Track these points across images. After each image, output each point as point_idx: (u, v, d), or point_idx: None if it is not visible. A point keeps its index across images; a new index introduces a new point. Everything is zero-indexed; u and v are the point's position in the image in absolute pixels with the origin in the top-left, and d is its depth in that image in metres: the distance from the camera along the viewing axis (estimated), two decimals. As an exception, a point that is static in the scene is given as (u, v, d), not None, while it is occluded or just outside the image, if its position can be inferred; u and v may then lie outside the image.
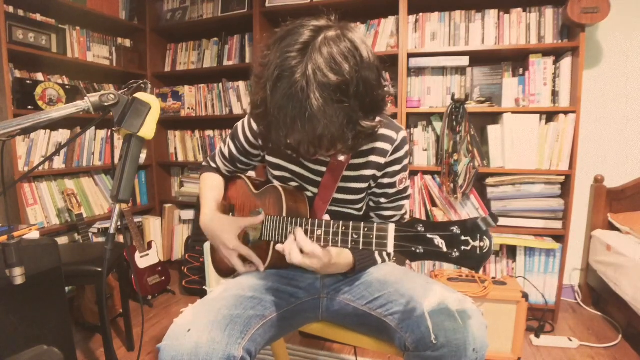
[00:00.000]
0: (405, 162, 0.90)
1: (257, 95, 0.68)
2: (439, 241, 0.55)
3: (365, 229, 0.64)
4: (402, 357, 0.76)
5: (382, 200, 0.92)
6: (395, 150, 0.87)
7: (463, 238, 0.53)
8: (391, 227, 0.60)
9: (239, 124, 0.98)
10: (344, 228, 0.67)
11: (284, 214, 0.82)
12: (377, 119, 0.70)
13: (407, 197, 0.94)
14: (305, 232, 0.73)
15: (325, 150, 0.69)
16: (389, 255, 0.93)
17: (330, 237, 0.68)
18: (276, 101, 0.63)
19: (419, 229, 0.57)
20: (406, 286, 0.79)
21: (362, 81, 0.63)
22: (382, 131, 0.86)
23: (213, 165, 1.06)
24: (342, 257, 0.81)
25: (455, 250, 0.54)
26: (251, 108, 0.72)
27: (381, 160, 0.87)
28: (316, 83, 0.60)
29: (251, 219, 0.90)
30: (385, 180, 0.89)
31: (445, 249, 0.54)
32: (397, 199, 0.92)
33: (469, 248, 0.53)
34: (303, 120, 0.62)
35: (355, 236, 0.65)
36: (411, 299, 0.75)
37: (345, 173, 0.87)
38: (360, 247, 0.65)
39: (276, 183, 0.91)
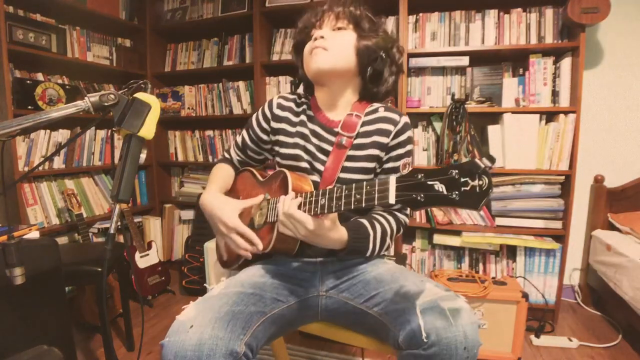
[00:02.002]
0: (409, 147, 0.93)
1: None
2: (439, 186, 0.55)
3: (367, 187, 0.65)
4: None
5: None
6: (398, 133, 0.91)
7: (462, 179, 0.53)
8: (392, 179, 0.61)
9: (253, 116, 1.05)
10: (346, 191, 0.68)
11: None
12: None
13: None
14: (310, 202, 0.74)
15: (349, 15, 0.91)
16: (384, 239, 0.90)
17: (334, 202, 0.70)
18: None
19: (419, 177, 0.58)
20: (401, 284, 0.80)
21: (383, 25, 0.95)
22: (386, 114, 0.93)
23: (227, 156, 1.13)
24: (335, 232, 0.80)
25: (456, 192, 0.54)
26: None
27: (384, 140, 0.91)
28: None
29: (251, 200, 0.93)
30: (389, 165, 0.93)
31: (445, 192, 0.55)
32: None
33: (468, 188, 0.53)
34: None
35: (357, 196, 0.66)
36: (404, 297, 0.76)
37: (350, 152, 0.91)
38: (364, 205, 0.65)
39: (283, 168, 0.94)
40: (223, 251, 1.04)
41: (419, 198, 0.57)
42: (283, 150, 0.97)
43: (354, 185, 0.67)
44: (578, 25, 1.65)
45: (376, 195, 0.63)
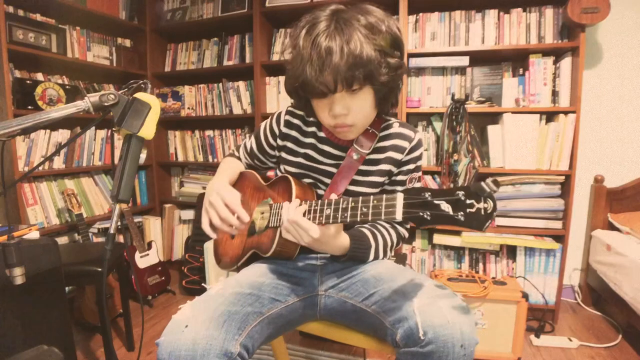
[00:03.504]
0: (419, 163, 0.94)
1: (290, 54, 0.79)
2: (445, 206, 0.57)
3: (375, 201, 0.66)
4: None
5: None
6: (411, 150, 0.92)
7: (468, 201, 0.56)
8: (399, 196, 0.62)
9: (262, 124, 1.04)
10: (353, 203, 0.69)
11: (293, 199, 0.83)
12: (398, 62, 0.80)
13: None
14: (315, 211, 0.74)
15: (362, 79, 0.74)
16: (385, 251, 0.93)
17: (340, 213, 0.70)
18: (308, 42, 0.73)
19: (426, 195, 0.59)
20: (399, 283, 0.80)
21: (386, 26, 0.76)
22: (400, 130, 0.93)
23: (237, 154, 1.12)
24: (338, 239, 0.81)
25: (461, 213, 0.56)
26: (289, 62, 0.80)
27: (398, 156, 0.91)
28: (349, 23, 0.73)
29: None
30: (399, 178, 0.93)
31: (451, 213, 0.57)
32: None
33: (474, 210, 0.55)
34: (340, 49, 0.71)
35: (364, 209, 0.67)
36: (403, 295, 0.76)
37: (362, 167, 0.91)
38: (370, 219, 0.66)
39: (287, 175, 0.93)
40: (222, 255, 1.04)
41: (425, 216, 0.59)
42: (287, 167, 0.98)
43: (360, 198, 0.68)
44: (578, 25, 1.65)
45: (383, 211, 0.64)
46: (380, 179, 0.92)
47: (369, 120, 0.86)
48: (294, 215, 0.73)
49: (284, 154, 0.98)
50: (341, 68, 0.72)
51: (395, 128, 0.93)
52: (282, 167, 1.00)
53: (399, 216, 0.61)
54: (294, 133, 0.97)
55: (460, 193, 0.56)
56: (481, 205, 0.55)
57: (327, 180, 0.93)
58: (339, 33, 0.72)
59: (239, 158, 1.12)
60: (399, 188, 0.93)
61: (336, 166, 0.92)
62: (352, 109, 0.79)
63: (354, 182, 0.91)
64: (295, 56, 0.77)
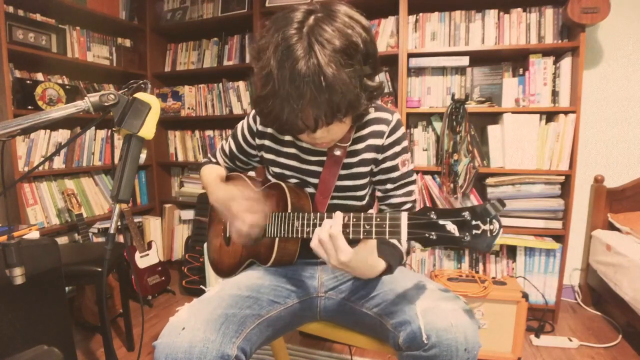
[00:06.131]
0: (405, 143, 0.90)
1: (261, 79, 0.69)
2: (451, 227, 0.57)
3: (378, 219, 0.64)
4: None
5: (389, 186, 0.91)
6: (392, 132, 0.88)
7: (474, 222, 0.56)
8: (404, 216, 0.62)
9: (239, 124, 1.01)
10: (354, 220, 0.67)
11: (289, 210, 0.83)
12: (377, 79, 0.74)
13: (414, 182, 0.93)
14: (314, 225, 0.73)
15: (343, 115, 0.70)
16: (407, 250, 0.91)
17: (342, 229, 0.68)
18: (285, 78, 0.64)
19: (431, 216, 0.59)
20: (401, 285, 0.80)
21: (363, 41, 0.68)
22: (377, 114, 0.88)
23: (214, 160, 1.09)
24: (370, 263, 0.73)
25: (467, 234, 0.56)
26: (256, 94, 0.73)
27: (379, 141, 0.87)
28: (325, 51, 0.63)
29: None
30: (388, 164, 0.89)
31: (457, 234, 0.57)
32: (404, 183, 0.91)
33: (479, 232, 0.55)
34: (320, 90, 0.63)
35: (367, 227, 0.65)
36: (405, 298, 0.75)
37: (345, 160, 0.88)
38: (373, 237, 0.65)
39: (278, 180, 0.92)
40: (219, 263, 1.03)
41: (430, 237, 0.59)
42: (271, 167, 0.96)
43: (362, 215, 0.66)
44: (578, 25, 1.65)
45: (387, 230, 0.63)
46: (365, 169, 0.89)
47: (345, 132, 0.82)
48: (334, 230, 0.66)
49: (264, 154, 0.96)
50: (323, 107, 0.66)
51: (372, 114, 0.88)
52: (270, 169, 0.97)
53: (404, 237, 0.61)
54: (269, 130, 0.93)
55: (466, 214, 0.56)
56: (487, 227, 0.55)
57: (314, 180, 0.91)
58: (317, 64, 0.63)
59: (216, 163, 1.08)
60: (394, 175, 0.90)
61: (319, 163, 0.90)
62: (332, 131, 0.76)
63: (340, 177, 0.89)
64: (267, 85, 0.67)
